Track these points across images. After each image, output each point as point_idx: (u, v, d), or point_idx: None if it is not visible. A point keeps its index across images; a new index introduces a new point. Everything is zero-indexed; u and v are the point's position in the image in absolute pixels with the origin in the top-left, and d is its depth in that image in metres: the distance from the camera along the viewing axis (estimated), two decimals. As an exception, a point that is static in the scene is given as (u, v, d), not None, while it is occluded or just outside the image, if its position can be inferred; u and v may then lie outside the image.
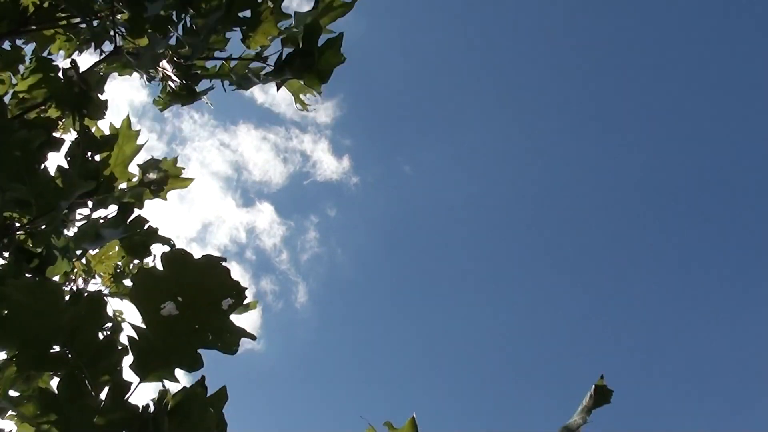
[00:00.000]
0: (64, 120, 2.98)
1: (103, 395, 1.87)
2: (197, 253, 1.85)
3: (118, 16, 3.03)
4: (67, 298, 2.92)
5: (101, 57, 3.09)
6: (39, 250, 2.83)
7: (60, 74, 2.86)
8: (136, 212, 2.86)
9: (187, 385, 1.91)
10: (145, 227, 3.00)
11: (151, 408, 1.87)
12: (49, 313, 1.77)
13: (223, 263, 1.79)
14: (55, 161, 2.80)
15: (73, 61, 2.84)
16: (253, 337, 1.86)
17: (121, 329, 2.95)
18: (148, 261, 3.23)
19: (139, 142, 2.96)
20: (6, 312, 1.76)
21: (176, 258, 1.76)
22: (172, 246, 2.98)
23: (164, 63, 3.07)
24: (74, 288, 3.20)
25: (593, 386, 1.66)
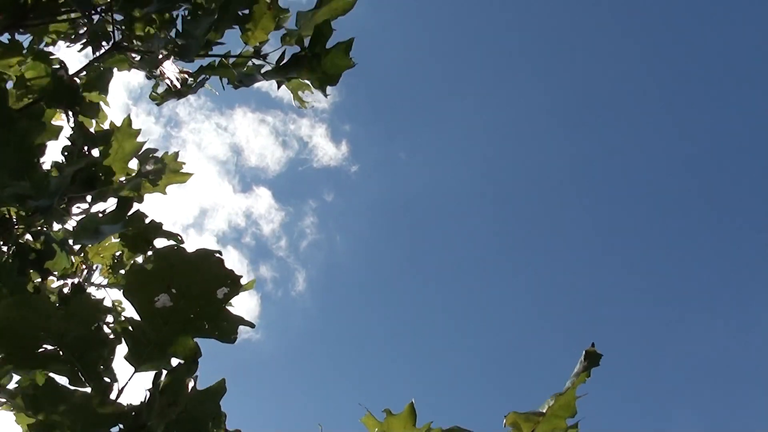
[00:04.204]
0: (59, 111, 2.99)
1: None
2: (195, 240, 1.86)
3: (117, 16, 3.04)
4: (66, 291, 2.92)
5: (100, 53, 3.11)
6: (38, 245, 2.85)
7: (53, 72, 2.87)
8: (136, 206, 2.87)
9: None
10: (147, 221, 3.02)
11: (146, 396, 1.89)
12: (36, 321, 1.77)
13: (217, 255, 1.80)
14: (51, 150, 2.81)
15: (62, 62, 2.85)
16: (251, 325, 1.86)
17: (115, 317, 2.95)
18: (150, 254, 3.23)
19: (140, 139, 2.98)
20: None
21: (169, 253, 1.77)
22: (180, 241, 2.99)
23: (165, 63, 3.08)
24: (74, 282, 3.21)
25: (584, 351, 1.70)
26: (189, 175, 3.13)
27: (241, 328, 1.85)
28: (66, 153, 2.80)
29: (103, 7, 3.06)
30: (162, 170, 2.98)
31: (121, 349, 1.93)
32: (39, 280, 2.83)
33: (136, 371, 1.87)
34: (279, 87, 3.01)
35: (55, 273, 3.00)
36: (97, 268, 3.46)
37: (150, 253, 3.15)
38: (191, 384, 1.89)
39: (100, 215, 2.83)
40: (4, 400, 2.30)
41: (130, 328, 1.86)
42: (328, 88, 2.92)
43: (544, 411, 1.83)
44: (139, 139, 2.97)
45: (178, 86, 2.99)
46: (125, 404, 1.87)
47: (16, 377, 2.64)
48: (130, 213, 2.89)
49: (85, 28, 3.13)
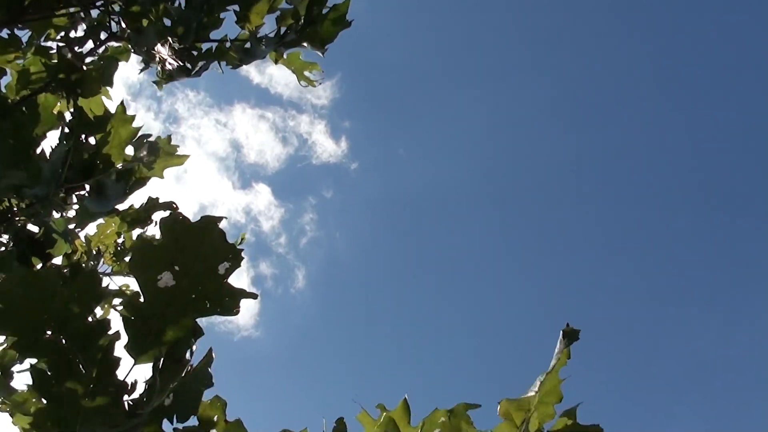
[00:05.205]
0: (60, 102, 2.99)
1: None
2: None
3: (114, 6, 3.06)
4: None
5: (98, 44, 3.12)
6: (38, 234, 2.85)
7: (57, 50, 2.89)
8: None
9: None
10: (146, 199, 3.03)
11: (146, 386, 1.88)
12: (41, 301, 1.77)
13: (220, 224, 1.80)
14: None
15: (67, 38, 2.85)
16: (254, 296, 1.85)
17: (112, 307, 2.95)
18: (149, 229, 3.26)
19: (135, 125, 2.97)
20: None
21: (175, 222, 1.77)
22: (175, 209, 3.00)
23: (160, 47, 3.09)
24: (74, 261, 3.21)
25: (561, 331, 1.70)
26: (185, 157, 3.11)
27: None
28: (64, 141, 2.79)
29: (101, 2, 3.08)
30: (156, 154, 2.97)
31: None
32: (40, 265, 2.82)
33: (135, 363, 1.87)
34: (276, 62, 3.04)
35: (55, 260, 3.00)
36: (101, 253, 3.46)
37: (152, 225, 3.17)
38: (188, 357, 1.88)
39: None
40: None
41: (131, 318, 1.85)
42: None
43: (533, 393, 1.83)
44: (135, 125, 2.97)
45: (176, 64, 3.00)
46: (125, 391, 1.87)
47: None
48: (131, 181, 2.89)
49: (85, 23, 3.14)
